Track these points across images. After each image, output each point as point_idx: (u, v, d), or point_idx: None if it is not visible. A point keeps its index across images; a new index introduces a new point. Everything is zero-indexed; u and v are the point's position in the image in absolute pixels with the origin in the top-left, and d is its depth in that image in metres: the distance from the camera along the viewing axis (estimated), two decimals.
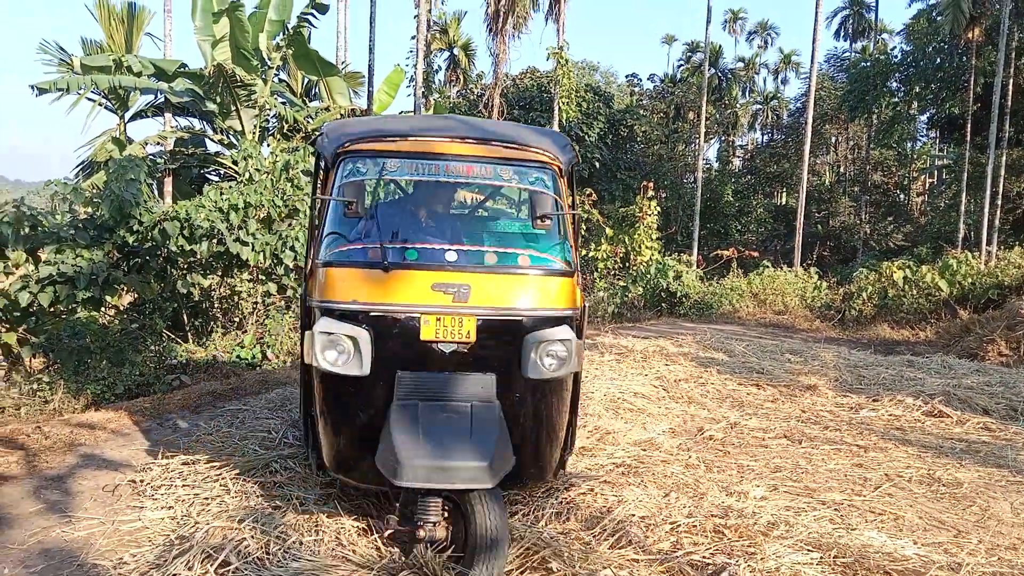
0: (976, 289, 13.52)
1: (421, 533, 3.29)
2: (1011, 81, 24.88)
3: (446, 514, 3.40)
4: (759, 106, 53.20)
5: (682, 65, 54.19)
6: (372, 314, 3.56)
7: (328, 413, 3.68)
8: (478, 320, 3.60)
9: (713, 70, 47.56)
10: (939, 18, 27.79)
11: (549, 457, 3.91)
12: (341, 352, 3.51)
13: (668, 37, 62.15)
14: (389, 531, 3.42)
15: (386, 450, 3.31)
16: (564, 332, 3.72)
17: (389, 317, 3.57)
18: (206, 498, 4.20)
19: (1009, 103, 24.66)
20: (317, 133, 4.71)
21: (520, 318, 3.69)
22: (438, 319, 3.57)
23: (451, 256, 3.81)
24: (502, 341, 3.66)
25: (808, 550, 3.74)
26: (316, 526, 3.78)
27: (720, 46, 51.05)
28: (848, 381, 8.34)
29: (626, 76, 54.70)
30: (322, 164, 4.77)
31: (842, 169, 43.25)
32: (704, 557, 3.63)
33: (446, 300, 3.59)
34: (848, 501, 4.67)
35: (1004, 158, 23.84)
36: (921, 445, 6.03)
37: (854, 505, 4.61)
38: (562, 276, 3.91)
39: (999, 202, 23.70)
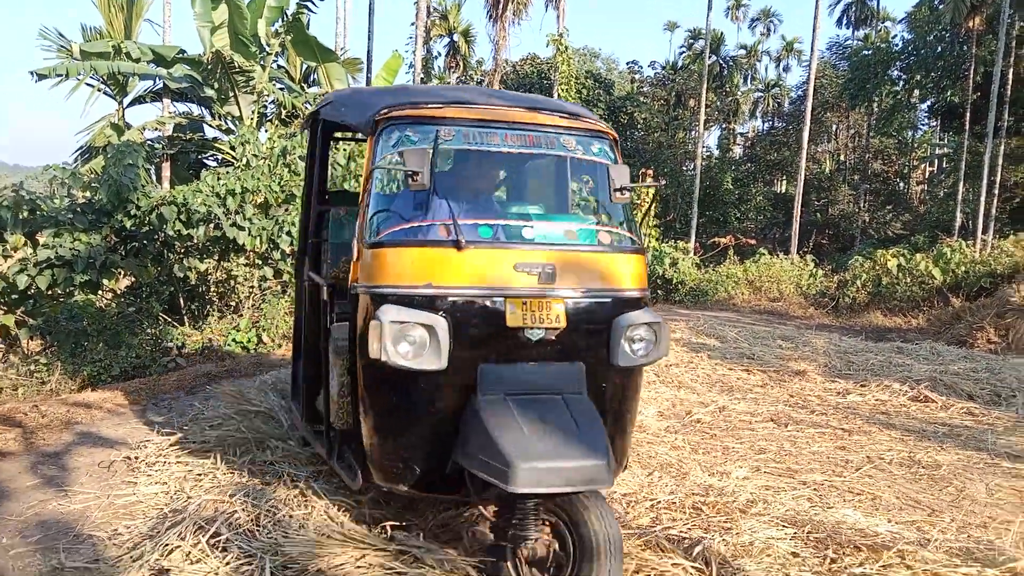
0: (969, 277, 13.61)
1: (524, 552, 2.97)
2: (1011, 70, 24.83)
3: (546, 526, 3.04)
4: (760, 94, 53.08)
5: (683, 52, 54.02)
6: (451, 299, 3.17)
7: (391, 415, 3.27)
8: (566, 303, 3.30)
9: (714, 57, 47.42)
10: (940, 6, 27.72)
11: (624, 452, 3.63)
12: (414, 343, 3.08)
13: (670, 24, 61.98)
14: (477, 547, 3.08)
15: (486, 452, 2.92)
16: (650, 314, 3.47)
17: (471, 302, 3.20)
18: (199, 474, 4.31)
19: (1008, 92, 24.63)
20: (322, 102, 4.38)
21: (608, 300, 3.42)
22: (524, 303, 3.23)
23: (528, 232, 3.47)
24: (591, 326, 3.35)
25: (783, 526, 3.85)
26: (306, 501, 3.88)
27: (722, 33, 50.90)
28: (837, 367, 8.44)
29: (627, 63, 54.64)
30: (336, 134, 4.74)
31: (842, 157, 43.20)
32: (681, 532, 3.74)
33: (531, 281, 3.26)
34: (828, 482, 4.78)
35: (1002, 147, 23.88)
36: (904, 429, 6.13)
37: (834, 485, 4.72)
38: (636, 253, 3.65)
39: (996, 191, 23.74)
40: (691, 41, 53.28)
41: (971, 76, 27.08)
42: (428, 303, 3.15)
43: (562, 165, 4.20)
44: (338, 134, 5.48)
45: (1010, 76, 24.78)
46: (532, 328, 3.22)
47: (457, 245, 3.21)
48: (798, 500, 4.35)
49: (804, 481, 4.75)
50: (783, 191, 40.18)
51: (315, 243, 4.53)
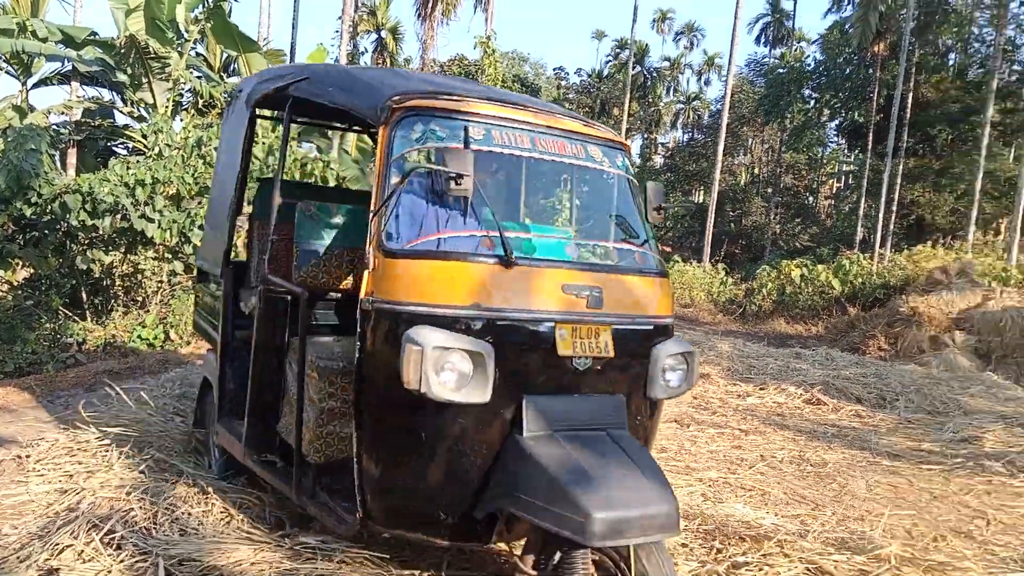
0: (865, 288, 14.47)
1: None
2: (910, 94, 26.42)
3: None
4: (682, 106, 54.67)
5: (610, 61, 55.10)
6: (500, 323, 2.82)
7: (412, 453, 2.86)
8: (613, 330, 3.04)
9: (639, 68, 48.59)
10: (850, 30, 29.19)
11: None
12: (458, 373, 2.72)
13: (598, 32, 63.13)
14: None
15: (551, 500, 2.60)
16: (683, 343, 3.30)
17: (521, 327, 2.87)
18: (94, 472, 4.19)
19: (908, 115, 26.20)
20: (287, 78, 3.73)
21: (650, 327, 3.21)
22: (574, 329, 2.94)
23: (571, 250, 3.25)
24: (634, 355, 3.13)
25: None
26: (206, 499, 3.83)
27: (647, 45, 52.19)
28: (740, 371, 8.84)
29: (554, 69, 55.30)
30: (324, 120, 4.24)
31: (757, 170, 44.93)
32: None
33: (580, 305, 2.96)
34: (723, 478, 5.04)
35: (901, 167, 25.36)
36: (797, 429, 6.50)
37: (727, 482, 4.98)
38: (664, 277, 3.43)
39: (894, 208, 25.22)
40: (617, 51, 54.40)
41: (875, 98, 28.67)
42: (472, 327, 2.78)
43: (590, 176, 3.78)
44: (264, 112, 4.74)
45: (910, 100, 26.37)
46: (581, 357, 2.94)
47: (506, 262, 2.86)
48: (692, 495, 4.58)
49: (700, 478, 4.98)
50: (701, 201, 41.51)
51: (278, 242, 3.79)
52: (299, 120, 5.06)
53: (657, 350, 3.17)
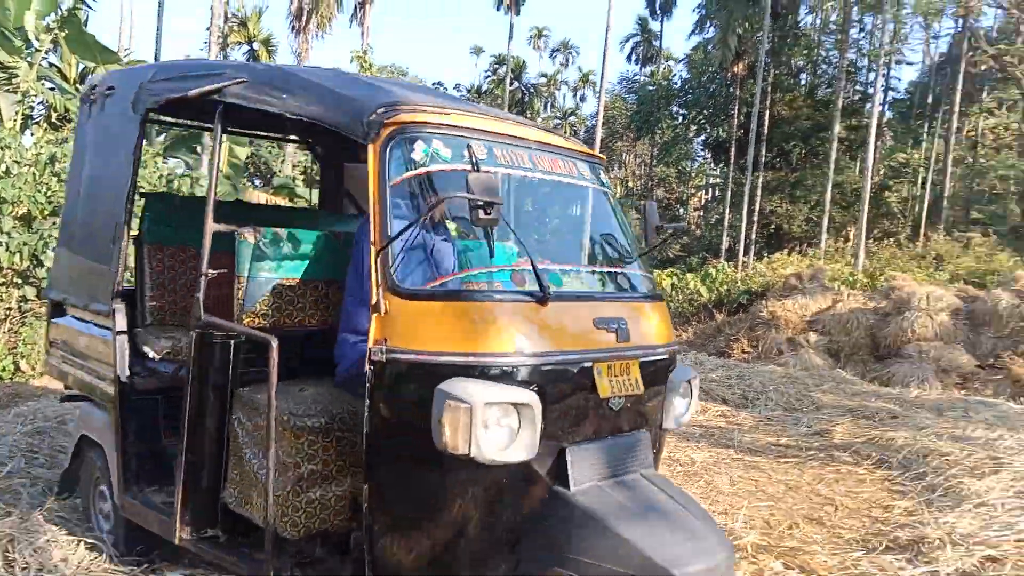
0: (730, 295, 15.39)
1: None
2: (767, 112, 28.35)
3: None
4: (559, 121, 56.10)
5: (489, 76, 55.89)
6: (544, 368, 2.54)
7: (451, 521, 2.54)
8: (640, 363, 2.86)
9: (517, 84, 49.55)
10: (712, 51, 31.03)
11: None
12: (507, 430, 2.43)
13: (476, 48, 63.69)
14: None
15: (618, 560, 2.40)
16: (689, 370, 3.18)
17: (564, 370, 2.61)
18: None
19: (766, 131, 28.10)
20: (224, 80, 3.04)
21: (666, 356, 3.05)
22: (609, 367, 2.73)
23: (592, 280, 3.13)
24: (656, 387, 2.97)
25: None
26: (71, 535, 3.62)
27: (524, 61, 53.33)
28: None
29: (432, 84, 55.49)
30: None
31: (631, 184, 46.73)
32: None
33: (611, 340, 2.76)
34: None
35: (760, 179, 27.15)
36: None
37: None
38: (661, 300, 3.30)
39: (755, 218, 26.95)
40: (495, 67, 55.25)
41: (736, 115, 30.57)
42: (516, 375, 2.49)
43: (584, 195, 3.49)
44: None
45: (767, 117, 28.29)
46: (617, 396, 2.74)
47: (542, 299, 2.60)
48: None
49: None
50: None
51: (217, 277, 3.06)
52: (234, 131, 4.51)
53: (672, 379, 3.07)
